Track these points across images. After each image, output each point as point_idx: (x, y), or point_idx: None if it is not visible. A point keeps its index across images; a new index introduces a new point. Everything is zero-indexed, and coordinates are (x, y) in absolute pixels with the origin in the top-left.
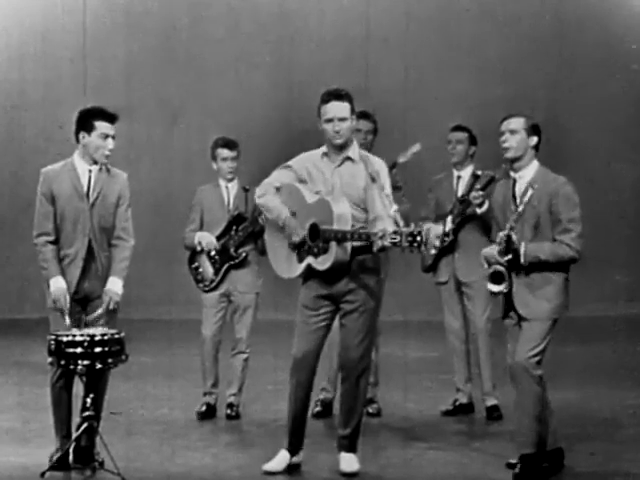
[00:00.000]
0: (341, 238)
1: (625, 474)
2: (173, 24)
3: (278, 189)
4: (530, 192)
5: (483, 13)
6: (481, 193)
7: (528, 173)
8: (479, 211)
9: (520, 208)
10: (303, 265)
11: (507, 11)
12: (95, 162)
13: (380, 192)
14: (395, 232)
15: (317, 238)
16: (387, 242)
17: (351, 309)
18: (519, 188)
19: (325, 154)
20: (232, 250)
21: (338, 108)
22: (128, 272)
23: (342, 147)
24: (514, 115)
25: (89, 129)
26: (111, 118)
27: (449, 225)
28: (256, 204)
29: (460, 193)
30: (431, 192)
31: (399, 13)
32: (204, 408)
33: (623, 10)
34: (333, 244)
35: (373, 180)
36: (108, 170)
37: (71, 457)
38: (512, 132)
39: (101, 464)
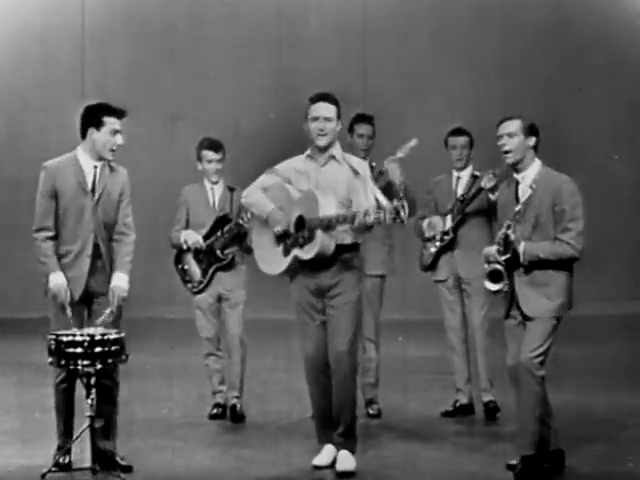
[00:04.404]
0: (326, 225)
1: (626, 475)
2: (173, 25)
3: (265, 190)
4: (529, 192)
5: (482, 13)
6: (491, 176)
7: (530, 173)
8: (492, 198)
9: (517, 207)
10: (289, 259)
11: (506, 11)
12: (101, 158)
13: (363, 184)
14: (378, 207)
15: (302, 229)
16: (371, 219)
17: (335, 304)
18: (522, 189)
19: (309, 156)
20: (218, 252)
21: (325, 108)
22: (130, 272)
23: (325, 148)
24: (510, 118)
25: (98, 125)
26: (119, 114)
27: (449, 223)
28: (241, 205)
29: (459, 193)
30: (430, 193)
31: (397, 14)
32: (215, 411)
33: (624, 10)
34: (318, 232)
35: (356, 173)
36: (110, 167)
37: (90, 460)
38: (510, 135)
39: (125, 468)
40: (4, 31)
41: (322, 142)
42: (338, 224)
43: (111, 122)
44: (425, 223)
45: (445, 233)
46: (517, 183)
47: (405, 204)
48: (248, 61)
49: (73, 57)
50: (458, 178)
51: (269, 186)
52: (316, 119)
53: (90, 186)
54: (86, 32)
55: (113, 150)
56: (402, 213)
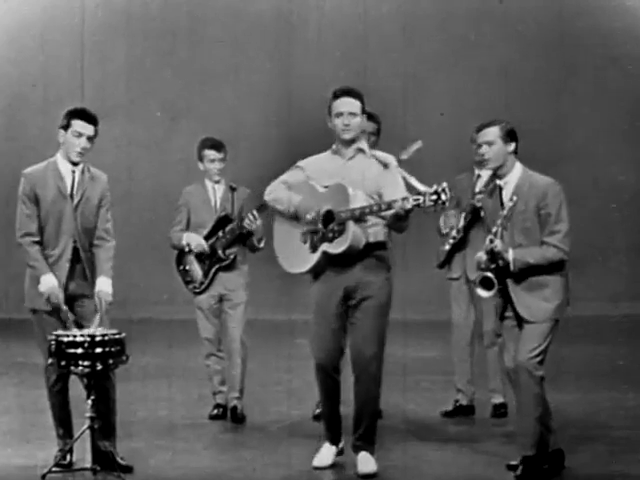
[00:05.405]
0: (359, 215)
1: (625, 475)
2: (173, 26)
3: (289, 186)
4: (510, 204)
5: (482, 14)
6: (483, 196)
7: (513, 178)
8: (483, 214)
9: (498, 223)
10: (317, 254)
11: (506, 11)
12: (73, 163)
13: (394, 176)
14: (418, 193)
15: (331, 223)
16: (409, 204)
17: (362, 306)
18: (505, 194)
19: (335, 152)
20: (220, 252)
21: (349, 103)
22: (129, 272)
23: (351, 142)
24: (488, 125)
25: (66, 127)
26: (88, 118)
27: (461, 222)
28: (243, 204)
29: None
30: (452, 190)
31: (398, 14)
32: (215, 411)
33: (625, 10)
34: (350, 223)
35: (385, 166)
36: (90, 173)
37: (90, 461)
38: (488, 144)
39: (125, 468)
40: (4, 30)
41: (347, 135)
42: (372, 214)
43: (77, 124)
44: (442, 219)
45: (458, 231)
46: (500, 189)
47: (446, 187)
48: (248, 61)
49: (73, 57)
50: (478, 176)
51: (293, 183)
52: (341, 114)
53: (69, 190)
54: (86, 32)
55: (81, 153)
56: (444, 196)
